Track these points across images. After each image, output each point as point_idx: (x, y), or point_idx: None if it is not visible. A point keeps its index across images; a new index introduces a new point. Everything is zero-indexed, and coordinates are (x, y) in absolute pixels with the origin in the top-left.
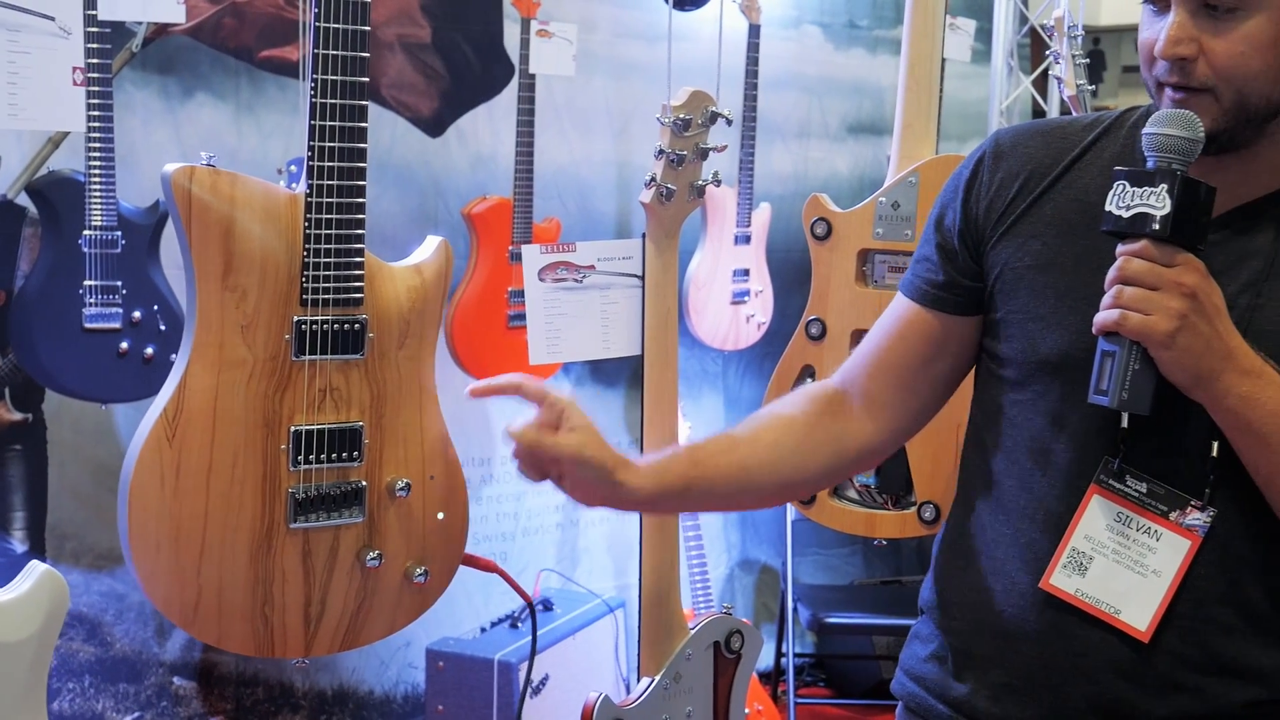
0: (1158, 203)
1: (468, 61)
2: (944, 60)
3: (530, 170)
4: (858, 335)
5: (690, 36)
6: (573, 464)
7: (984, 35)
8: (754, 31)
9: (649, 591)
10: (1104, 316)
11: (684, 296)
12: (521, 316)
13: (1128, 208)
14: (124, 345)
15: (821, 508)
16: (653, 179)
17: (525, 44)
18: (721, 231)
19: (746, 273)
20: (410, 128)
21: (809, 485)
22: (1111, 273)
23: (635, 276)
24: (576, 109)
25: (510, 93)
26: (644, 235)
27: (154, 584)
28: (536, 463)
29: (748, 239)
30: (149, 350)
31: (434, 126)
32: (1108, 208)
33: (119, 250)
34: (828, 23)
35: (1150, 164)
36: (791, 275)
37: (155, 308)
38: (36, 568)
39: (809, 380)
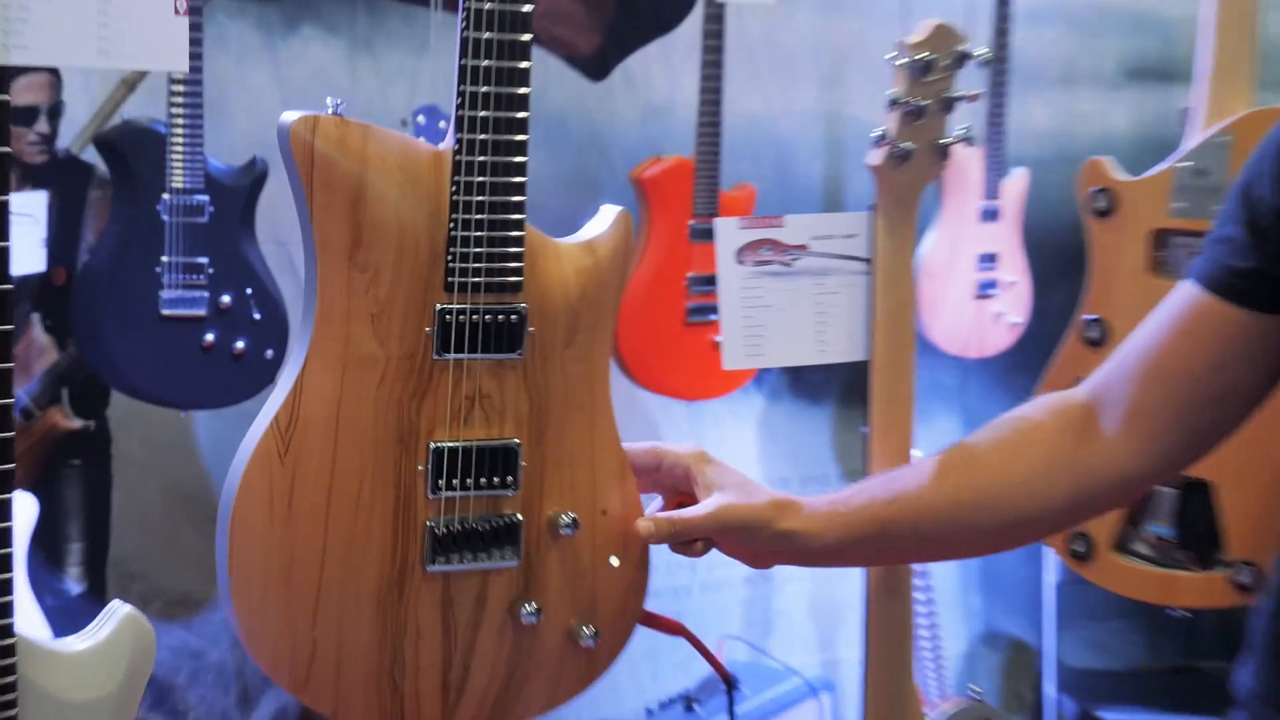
0: None
1: None
2: None
3: (717, 124)
4: None
5: None
6: (716, 532)
7: None
8: None
9: (876, 670)
10: None
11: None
12: (702, 309)
13: None
14: (209, 337)
15: (1102, 565)
16: (884, 136)
17: None
18: (963, 205)
19: (995, 258)
20: (566, 69)
21: (1040, 527)
22: None
23: (861, 260)
24: (776, 47)
25: (692, 26)
26: (872, 207)
27: (259, 638)
28: (684, 545)
29: (997, 214)
30: (239, 344)
31: (596, 68)
32: None
33: (206, 219)
34: None
35: None
36: (1055, 262)
37: (249, 291)
38: (118, 610)
39: None
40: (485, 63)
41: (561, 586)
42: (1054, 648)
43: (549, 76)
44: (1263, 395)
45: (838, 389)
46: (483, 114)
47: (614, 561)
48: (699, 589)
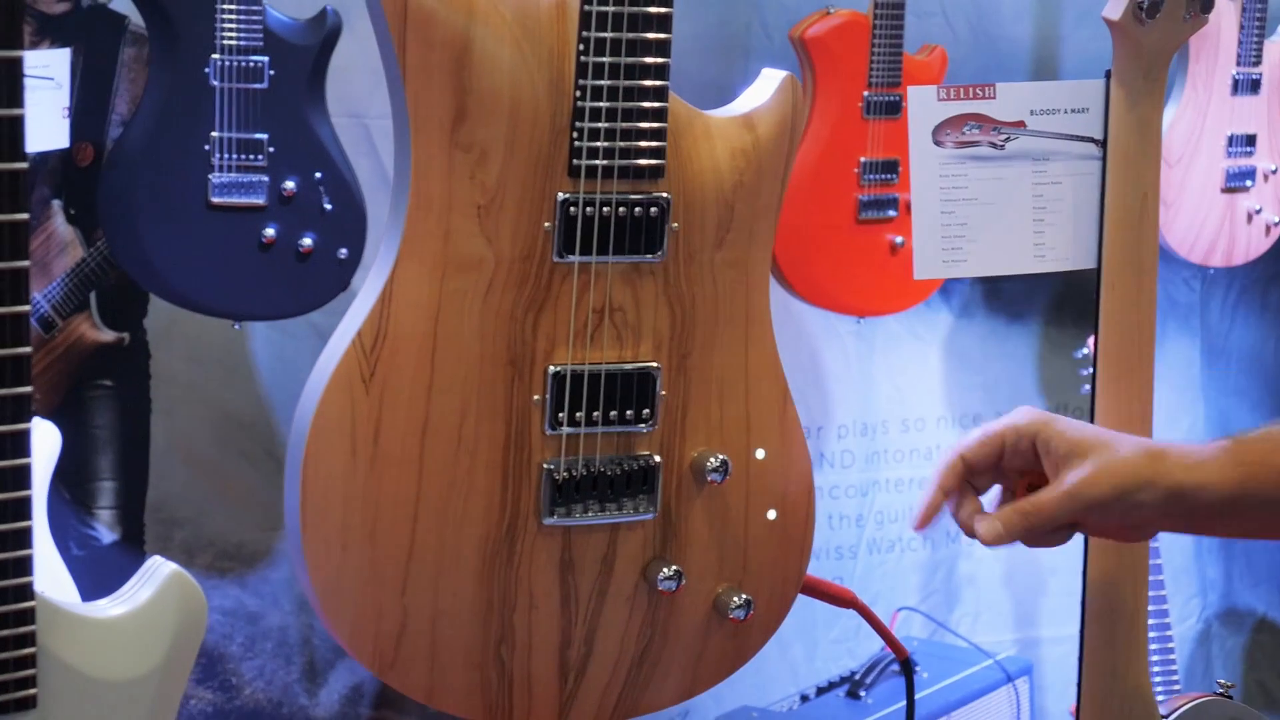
0: None
1: None
2: None
3: None
4: None
5: None
6: (1081, 514)
7: None
8: None
9: (1094, 653)
10: None
11: None
12: (879, 203)
13: None
14: (269, 232)
15: None
16: None
17: None
18: (1210, 73)
19: (1252, 141)
20: None
21: None
22: None
23: (1093, 142)
24: None
25: None
26: (1107, 74)
27: (337, 605)
28: (1043, 536)
29: (1255, 85)
30: (306, 241)
31: None
32: None
33: (265, 85)
34: None
35: None
36: None
37: (318, 175)
38: (160, 568)
39: None
40: None
41: (707, 545)
42: None
43: None
44: None
45: (1044, 302)
46: None
47: (771, 515)
48: (866, 550)
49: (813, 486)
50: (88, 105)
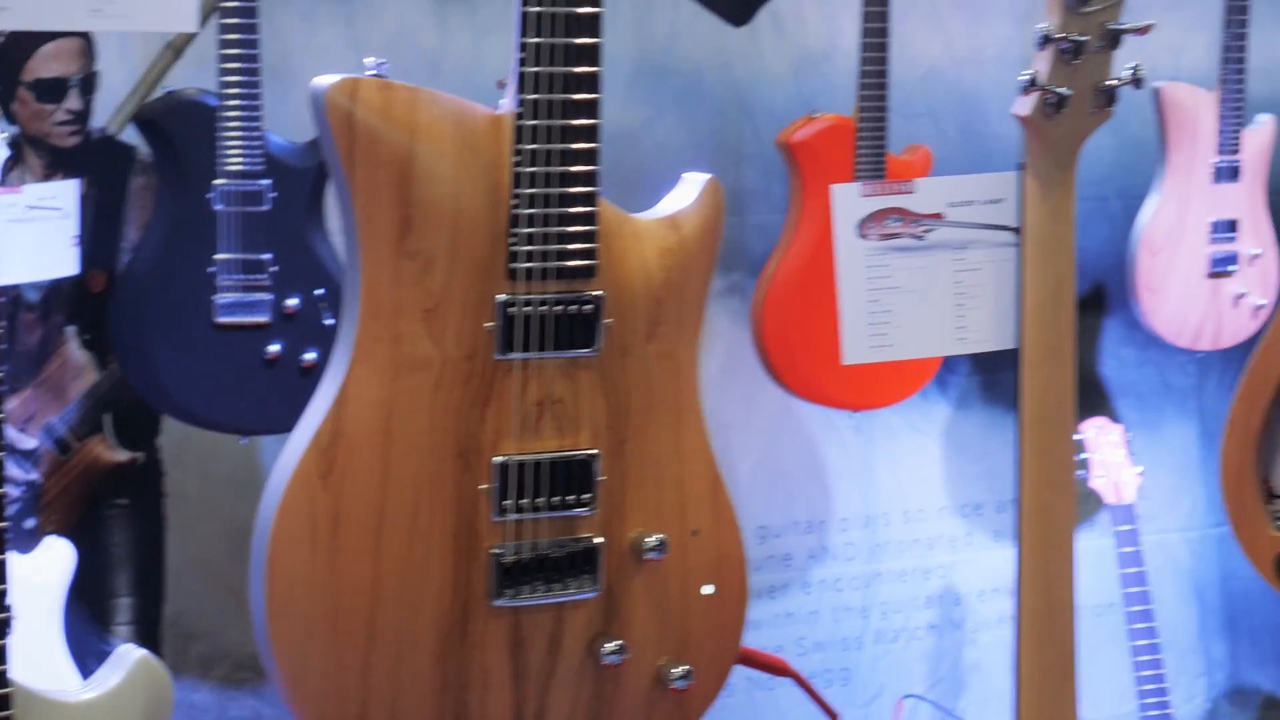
0: None
1: None
2: None
3: (884, 75)
4: None
5: None
6: None
7: None
8: None
9: None
10: None
11: (1133, 264)
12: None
13: None
14: (274, 348)
15: None
16: (1034, 80)
17: None
18: (1193, 162)
19: (1234, 226)
20: (701, 11)
21: None
22: None
23: (1008, 230)
24: None
25: None
26: (1020, 166)
27: (301, 689)
28: None
29: (1236, 172)
30: (309, 355)
31: (737, 8)
32: None
33: (267, 207)
34: None
35: None
36: None
37: (319, 292)
38: (129, 654)
39: None
40: (550, 8)
41: (648, 620)
42: None
43: (679, 22)
44: None
45: None
46: (549, 69)
47: (707, 590)
48: (872, 640)
49: (745, 560)
50: (99, 233)
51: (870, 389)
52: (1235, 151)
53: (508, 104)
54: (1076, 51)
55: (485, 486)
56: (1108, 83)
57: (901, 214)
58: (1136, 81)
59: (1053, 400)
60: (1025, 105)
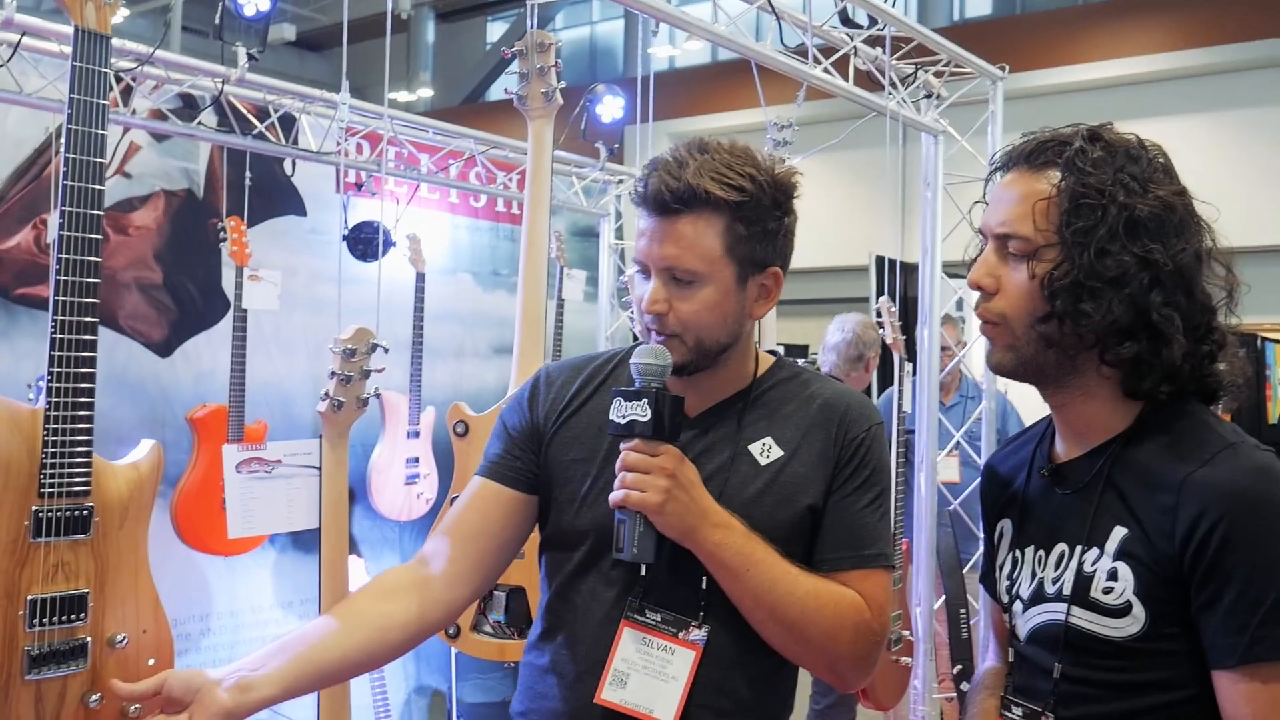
0: (642, 412)
1: (192, 298)
2: (562, 301)
3: (242, 383)
4: None
5: (367, 280)
6: None
7: (593, 281)
8: (420, 278)
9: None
10: (615, 496)
11: (367, 479)
12: None
13: (623, 417)
14: None
15: (464, 640)
16: (326, 394)
17: (239, 285)
18: (397, 428)
19: (417, 460)
20: (144, 350)
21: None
22: (618, 463)
23: (314, 468)
24: (281, 336)
25: (227, 323)
26: (319, 437)
27: None
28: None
29: (417, 434)
30: None
31: (164, 349)
32: (611, 417)
33: None
34: (477, 270)
35: (637, 384)
36: (451, 463)
37: None
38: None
39: None
40: (66, 353)
41: (120, 679)
42: (456, 691)
43: (132, 354)
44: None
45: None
46: (65, 385)
47: (151, 662)
48: None
49: (173, 647)
50: None
51: (234, 545)
52: (417, 423)
53: (42, 402)
54: (348, 380)
55: (22, 613)
56: (364, 395)
57: (260, 461)
58: (376, 396)
59: (337, 550)
60: (323, 406)
